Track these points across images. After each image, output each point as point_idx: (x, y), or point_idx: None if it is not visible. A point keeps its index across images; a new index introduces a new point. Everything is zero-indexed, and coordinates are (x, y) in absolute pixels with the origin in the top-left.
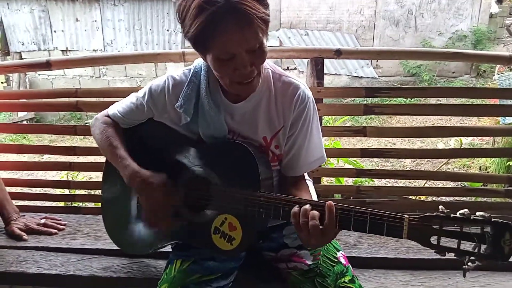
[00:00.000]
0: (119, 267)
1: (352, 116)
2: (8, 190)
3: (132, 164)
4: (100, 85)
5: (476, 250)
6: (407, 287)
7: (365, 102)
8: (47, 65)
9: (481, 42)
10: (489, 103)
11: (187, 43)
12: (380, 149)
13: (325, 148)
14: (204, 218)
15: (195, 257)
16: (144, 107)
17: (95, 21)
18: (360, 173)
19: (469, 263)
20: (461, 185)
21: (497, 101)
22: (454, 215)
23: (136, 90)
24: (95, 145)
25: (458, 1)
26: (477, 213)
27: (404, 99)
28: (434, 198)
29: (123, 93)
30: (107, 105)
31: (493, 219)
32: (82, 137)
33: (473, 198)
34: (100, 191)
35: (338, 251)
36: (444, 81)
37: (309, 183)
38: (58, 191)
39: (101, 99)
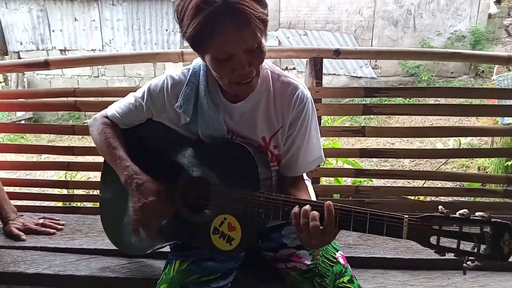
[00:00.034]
0: (117, 267)
1: (351, 116)
2: (6, 190)
3: (132, 166)
4: (99, 85)
5: (475, 250)
6: (406, 287)
7: (364, 102)
8: (45, 65)
9: (479, 43)
10: (487, 103)
11: (186, 43)
12: (379, 149)
13: (324, 148)
14: (203, 218)
15: (194, 257)
16: (143, 107)
17: (94, 20)
18: (359, 173)
19: (469, 262)
20: (460, 185)
21: (495, 101)
22: (454, 215)
23: (134, 90)
24: (93, 145)
25: (456, 2)
26: (477, 213)
27: (403, 99)
28: (433, 198)
29: (122, 92)
30: (106, 104)
31: (493, 219)
32: (80, 137)
33: (472, 198)
34: (98, 191)
35: (337, 251)
36: (443, 81)
37: (308, 183)
38: (56, 191)
39: (100, 99)
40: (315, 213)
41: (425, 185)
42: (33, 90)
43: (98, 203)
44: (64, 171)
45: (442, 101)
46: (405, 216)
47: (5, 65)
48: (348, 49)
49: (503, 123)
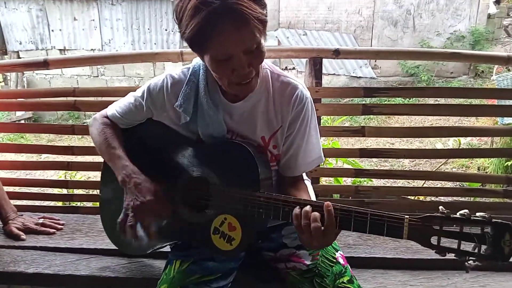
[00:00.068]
0: (117, 267)
1: (351, 116)
2: (6, 189)
3: (130, 165)
4: (98, 85)
5: (476, 251)
6: (406, 287)
7: (363, 102)
8: (44, 64)
9: (479, 43)
10: (487, 103)
11: (185, 43)
12: (378, 149)
13: (323, 148)
14: (203, 218)
15: (194, 257)
16: (143, 106)
17: (93, 20)
18: (359, 173)
19: (470, 261)
20: (460, 185)
21: (495, 102)
22: (454, 216)
23: (134, 89)
24: (93, 144)
25: (456, 2)
26: (477, 214)
27: (403, 99)
28: (433, 198)
29: (121, 92)
30: (105, 104)
31: (493, 220)
32: (80, 136)
33: (472, 198)
34: (98, 190)
35: (337, 251)
36: (443, 81)
37: (308, 183)
38: (56, 190)
39: (99, 99)
40: (316, 214)
41: (425, 185)
42: (33, 89)
43: (98, 203)
44: (64, 171)
45: (441, 101)
46: (406, 216)
47: (4, 64)
48: (348, 49)
49: (502, 123)
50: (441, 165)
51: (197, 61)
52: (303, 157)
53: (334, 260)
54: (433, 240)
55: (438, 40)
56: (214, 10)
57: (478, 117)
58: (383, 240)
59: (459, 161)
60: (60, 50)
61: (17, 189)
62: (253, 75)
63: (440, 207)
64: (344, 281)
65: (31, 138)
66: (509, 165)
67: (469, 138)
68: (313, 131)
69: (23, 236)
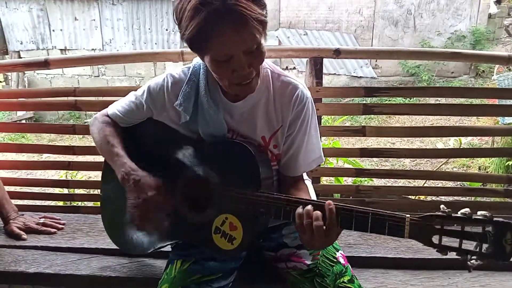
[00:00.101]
0: (118, 267)
1: (351, 116)
2: (7, 189)
3: (129, 162)
4: (99, 84)
5: (477, 249)
6: (407, 286)
7: (364, 102)
8: (45, 64)
9: (479, 43)
10: (488, 103)
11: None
12: (379, 149)
13: (324, 148)
14: (204, 218)
15: (195, 257)
16: (143, 106)
17: (94, 20)
18: (360, 172)
19: (472, 261)
20: (461, 185)
21: (496, 101)
22: (456, 215)
23: (135, 89)
24: (94, 144)
25: (457, 2)
26: (479, 212)
27: (403, 99)
28: (434, 198)
29: (122, 92)
30: (106, 104)
31: (495, 219)
32: (81, 136)
33: (473, 198)
34: (99, 190)
35: (337, 251)
36: (443, 81)
37: (308, 182)
38: (57, 190)
39: (100, 98)
40: (318, 212)
41: (425, 185)
42: (34, 89)
43: (98, 203)
44: (65, 171)
45: (442, 101)
46: (407, 215)
47: (5, 64)
48: (348, 48)
49: (503, 122)
50: (442, 165)
51: (197, 60)
52: (304, 157)
53: (335, 260)
54: (435, 239)
55: (439, 40)
56: (214, 11)
57: (479, 117)
58: (383, 239)
59: (460, 160)
60: (61, 50)
61: (18, 188)
62: (253, 76)
63: (442, 206)
64: (345, 280)
65: (32, 138)
66: (510, 164)
67: (470, 138)
68: (313, 131)
69: (24, 235)
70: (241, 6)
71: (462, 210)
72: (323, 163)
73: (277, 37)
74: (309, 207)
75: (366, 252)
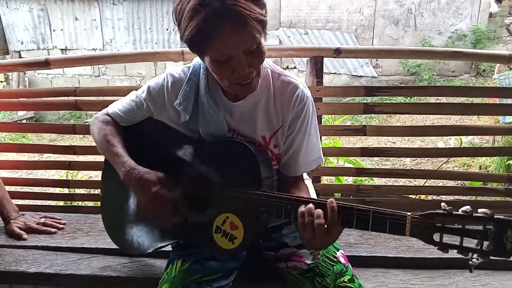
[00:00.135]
0: (119, 266)
1: (352, 115)
2: (8, 189)
3: (129, 161)
4: (100, 84)
5: (478, 247)
6: (408, 286)
7: (364, 101)
8: (45, 64)
9: (480, 42)
10: (489, 102)
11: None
12: (380, 148)
13: (325, 147)
14: (205, 217)
15: (195, 257)
16: (143, 104)
17: (94, 20)
18: (360, 172)
19: (474, 259)
20: (461, 184)
21: (496, 100)
22: (457, 212)
23: (135, 89)
24: (94, 144)
25: (457, 1)
26: (479, 210)
27: (404, 98)
28: (434, 197)
29: (122, 92)
30: (106, 104)
31: (496, 216)
32: (81, 136)
33: (473, 197)
34: (99, 190)
35: (338, 251)
36: (444, 80)
37: (309, 182)
38: (57, 190)
39: (101, 98)
40: (320, 211)
41: (426, 184)
42: (34, 89)
43: (99, 202)
44: (66, 170)
45: (443, 100)
46: (408, 213)
47: (6, 64)
48: (349, 48)
49: (504, 122)
50: (442, 164)
51: (197, 60)
52: (304, 156)
53: (335, 259)
54: (436, 237)
55: (440, 39)
56: (213, 11)
57: (480, 116)
58: (384, 239)
59: (460, 160)
60: (61, 49)
61: (19, 188)
62: (253, 75)
63: (442, 204)
64: (345, 280)
65: (33, 138)
66: (510, 163)
67: (470, 137)
68: (313, 131)
69: (25, 235)
70: (240, 6)
71: (463, 208)
72: (323, 163)
73: (277, 36)
74: (311, 205)
75: (367, 251)
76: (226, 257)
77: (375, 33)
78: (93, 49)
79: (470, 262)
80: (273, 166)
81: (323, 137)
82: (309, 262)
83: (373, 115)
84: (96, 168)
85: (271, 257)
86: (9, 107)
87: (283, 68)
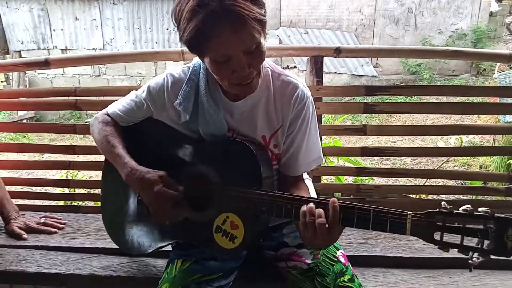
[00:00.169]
0: (119, 266)
1: (352, 115)
2: (8, 189)
3: (130, 161)
4: (100, 84)
5: (479, 246)
6: (408, 285)
7: (365, 101)
8: (45, 64)
9: (481, 41)
10: (489, 101)
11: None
12: (380, 148)
13: (325, 147)
14: (205, 217)
15: (196, 256)
16: (143, 104)
17: (95, 19)
18: (360, 171)
19: (474, 258)
20: (462, 184)
21: (497, 100)
22: (457, 211)
23: (135, 88)
24: (94, 144)
25: (458, 0)
26: (480, 209)
27: (404, 98)
28: (434, 197)
29: (123, 91)
30: (106, 103)
31: (496, 215)
32: (82, 136)
33: (474, 197)
34: (99, 190)
35: (338, 250)
36: (444, 80)
37: (309, 182)
38: (58, 190)
39: (101, 98)
40: (321, 210)
41: (426, 184)
42: (35, 89)
43: (99, 202)
44: (66, 170)
45: (443, 99)
46: (409, 212)
47: (6, 64)
48: (349, 47)
49: (504, 121)
50: (443, 163)
51: (197, 60)
52: (304, 156)
53: (335, 259)
54: (436, 236)
55: (440, 38)
56: (211, 12)
57: (480, 115)
58: (384, 238)
59: (461, 159)
60: (61, 49)
61: (19, 188)
62: (254, 75)
63: (443, 203)
64: (345, 279)
65: (33, 138)
66: (511, 163)
67: (471, 136)
68: (313, 130)
69: (25, 235)
70: (239, 6)
71: (464, 207)
72: (323, 162)
73: (277, 36)
74: (312, 205)
75: (367, 251)
76: (226, 257)
77: (375, 33)
78: (93, 49)
79: (470, 261)
80: (273, 166)
81: (323, 137)
82: (309, 261)
83: (373, 114)
84: (96, 168)
85: (271, 257)
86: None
87: (283, 68)
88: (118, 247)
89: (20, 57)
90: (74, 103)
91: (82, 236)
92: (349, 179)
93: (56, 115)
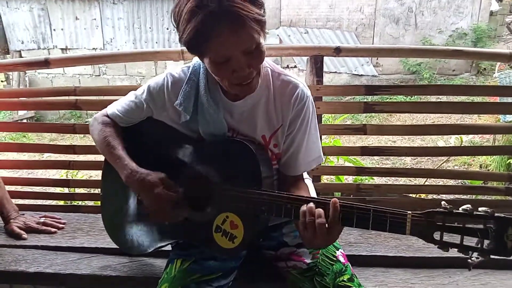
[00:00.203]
0: (118, 266)
1: (352, 114)
2: (8, 188)
3: (130, 163)
4: (100, 84)
5: (479, 245)
6: (407, 285)
7: (365, 100)
8: (45, 64)
9: (481, 40)
10: (489, 101)
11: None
12: (380, 147)
13: (325, 146)
14: (205, 217)
15: (195, 256)
16: (143, 105)
17: (95, 19)
18: (360, 171)
19: (473, 258)
20: (462, 183)
21: (497, 99)
22: (457, 211)
23: (135, 88)
24: (94, 143)
25: None
26: (480, 209)
27: (404, 97)
28: (435, 196)
29: (123, 91)
30: (106, 103)
31: (496, 214)
32: (82, 135)
33: (474, 196)
34: (99, 189)
35: (337, 250)
36: (444, 79)
37: (309, 181)
38: (57, 189)
39: (101, 98)
40: (321, 210)
41: (426, 183)
42: (35, 89)
43: (99, 202)
44: (66, 170)
45: (443, 98)
46: (409, 212)
47: (6, 64)
48: (349, 46)
49: (505, 120)
50: (443, 163)
51: (197, 59)
52: (304, 156)
53: (335, 259)
54: (436, 235)
55: (440, 37)
56: (210, 13)
57: (480, 115)
58: (384, 238)
59: (461, 158)
60: (62, 49)
61: (19, 188)
62: (253, 76)
63: (443, 203)
64: (345, 279)
65: (33, 137)
66: (511, 162)
67: (471, 136)
68: (313, 130)
69: (25, 235)
70: (238, 7)
71: (464, 206)
72: (323, 162)
73: (278, 35)
74: (312, 204)
75: (367, 250)
76: (226, 257)
77: (375, 32)
78: (93, 48)
79: (469, 260)
80: (273, 166)
81: (323, 136)
82: (308, 261)
83: (373, 114)
84: (96, 168)
85: (271, 257)
86: (10, 106)
87: (283, 67)
88: (117, 247)
89: (20, 56)
90: (74, 103)
91: (82, 236)
92: (349, 179)
93: (56, 115)
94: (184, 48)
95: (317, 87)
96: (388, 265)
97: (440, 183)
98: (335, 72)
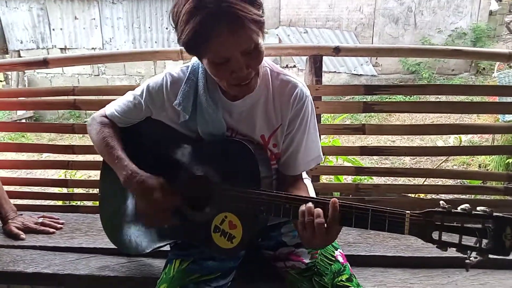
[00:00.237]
0: (117, 266)
1: (351, 114)
2: (7, 189)
3: (130, 165)
4: (99, 83)
5: (477, 245)
6: (406, 285)
7: (364, 100)
8: (44, 63)
9: (480, 40)
10: (488, 100)
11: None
12: (379, 147)
13: (324, 146)
14: (204, 217)
15: (194, 256)
16: (142, 105)
17: (94, 19)
18: (359, 171)
19: (472, 258)
20: (461, 183)
21: (496, 99)
22: (456, 210)
23: (134, 88)
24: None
25: None
26: (478, 208)
27: (404, 97)
28: (434, 196)
29: (122, 91)
30: (105, 103)
31: (494, 214)
32: (81, 135)
33: (473, 196)
34: (98, 189)
35: (336, 250)
36: (444, 79)
37: (308, 181)
38: (56, 189)
39: (100, 97)
40: (320, 210)
41: (425, 183)
42: (34, 89)
43: (97, 202)
44: (64, 170)
45: (443, 98)
46: (407, 212)
47: (5, 63)
48: (348, 46)
49: (504, 120)
50: (442, 163)
51: (196, 59)
52: (303, 155)
53: (333, 258)
54: (434, 235)
55: (439, 37)
56: (209, 14)
57: (479, 115)
58: (383, 238)
59: (460, 158)
60: (61, 49)
61: (17, 188)
62: (252, 76)
63: (441, 202)
64: (343, 279)
65: (32, 137)
66: (510, 162)
67: (470, 136)
68: (312, 129)
69: (23, 235)
70: (236, 8)
71: (462, 206)
72: (322, 161)
73: (277, 35)
74: (310, 204)
75: (366, 250)
76: (224, 257)
77: (375, 32)
78: (92, 48)
79: (467, 260)
80: (272, 166)
81: (322, 136)
82: (307, 261)
83: (372, 113)
84: (95, 168)
85: (269, 256)
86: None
87: (283, 67)
88: (116, 247)
89: (19, 56)
90: (73, 103)
91: (80, 236)
92: (348, 179)
93: (55, 115)
94: (183, 48)
95: (316, 87)
96: (387, 265)
97: (439, 183)
98: (335, 71)
